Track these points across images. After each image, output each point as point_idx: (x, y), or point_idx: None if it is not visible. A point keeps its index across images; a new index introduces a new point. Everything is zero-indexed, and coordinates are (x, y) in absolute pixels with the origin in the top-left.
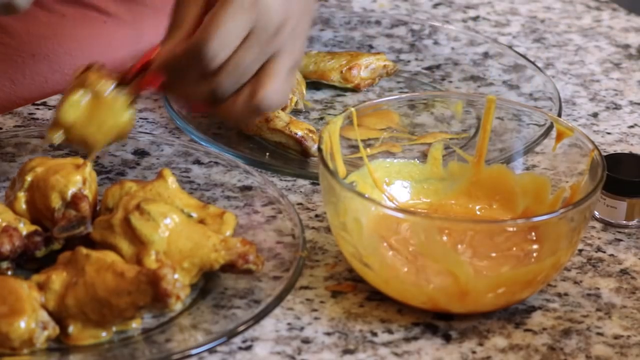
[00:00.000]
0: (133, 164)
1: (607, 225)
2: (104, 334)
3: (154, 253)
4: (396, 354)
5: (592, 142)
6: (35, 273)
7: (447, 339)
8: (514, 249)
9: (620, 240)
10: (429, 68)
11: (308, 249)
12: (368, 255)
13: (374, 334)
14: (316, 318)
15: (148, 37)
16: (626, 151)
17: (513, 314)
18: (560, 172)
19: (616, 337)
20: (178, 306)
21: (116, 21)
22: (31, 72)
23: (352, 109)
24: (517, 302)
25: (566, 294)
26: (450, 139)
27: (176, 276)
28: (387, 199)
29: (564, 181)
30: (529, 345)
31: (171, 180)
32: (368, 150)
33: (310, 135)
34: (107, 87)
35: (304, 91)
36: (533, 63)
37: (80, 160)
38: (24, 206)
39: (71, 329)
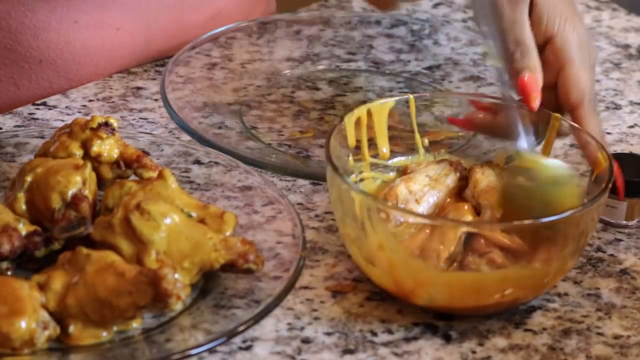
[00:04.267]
0: None
1: (607, 225)
2: (104, 333)
3: (155, 253)
4: (396, 354)
5: (599, 143)
6: (36, 273)
7: (447, 339)
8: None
9: (620, 240)
10: (429, 68)
11: (308, 249)
12: (374, 253)
13: (374, 334)
14: (316, 318)
15: (155, 45)
16: (626, 151)
17: (513, 314)
18: None
19: (616, 337)
20: (178, 306)
21: (129, 29)
22: (37, 77)
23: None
24: (520, 304)
25: (566, 294)
26: (450, 138)
27: (177, 276)
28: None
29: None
30: (529, 345)
31: (171, 180)
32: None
33: None
34: None
35: None
36: None
37: (80, 161)
38: (23, 206)
39: (72, 329)
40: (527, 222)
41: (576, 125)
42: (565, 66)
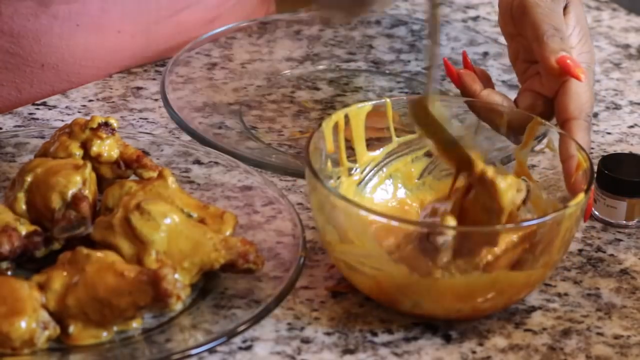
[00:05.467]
0: None
1: (607, 225)
2: (104, 334)
3: (154, 253)
4: (396, 354)
5: (578, 144)
6: (36, 273)
7: (447, 339)
8: (506, 252)
9: (620, 240)
10: (429, 68)
11: (308, 249)
12: (358, 260)
13: (374, 334)
14: (316, 318)
15: (156, 47)
16: (626, 151)
17: (513, 314)
18: (559, 172)
19: (616, 337)
20: (178, 306)
21: (129, 32)
22: (39, 81)
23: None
24: (515, 302)
25: (566, 294)
26: None
27: (176, 276)
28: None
29: (563, 180)
30: (529, 345)
31: (171, 180)
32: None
33: None
34: None
35: None
36: None
37: (80, 161)
38: (23, 206)
39: (72, 329)
40: (509, 225)
41: (563, 132)
42: (574, 80)
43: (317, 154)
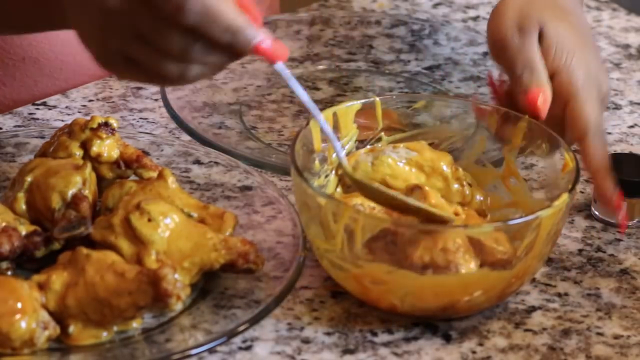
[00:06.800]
0: None
1: (607, 225)
2: (104, 334)
3: (154, 253)
4: (396, 354)
5: (564, 142)
6: (36, 273)
7: (447, 339)
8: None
9: (620, 240)
10: (429, 68)
11: (308, 249)
12: (339, 257)
13: (374, 334)
14: (316, 318)
15: None
16: (626, 151)
17: (513, 314)
18: (557, 171)
19: (616, 337)
20: (178, 306)
21: None
22: (21, 74)
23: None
24: (509, 295)
25: (566, 294)
26: (450, 138)
27: (177, 276)
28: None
29: (560, 179)
30: (529, 345)
31: (171, 180)
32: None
33: None
34: None
35: None
36: None
37: (80, 161)
38: (23, 207)
39: (72, 329)
40: (497, 224)
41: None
42: (571, 100)
43: (305, 151)
